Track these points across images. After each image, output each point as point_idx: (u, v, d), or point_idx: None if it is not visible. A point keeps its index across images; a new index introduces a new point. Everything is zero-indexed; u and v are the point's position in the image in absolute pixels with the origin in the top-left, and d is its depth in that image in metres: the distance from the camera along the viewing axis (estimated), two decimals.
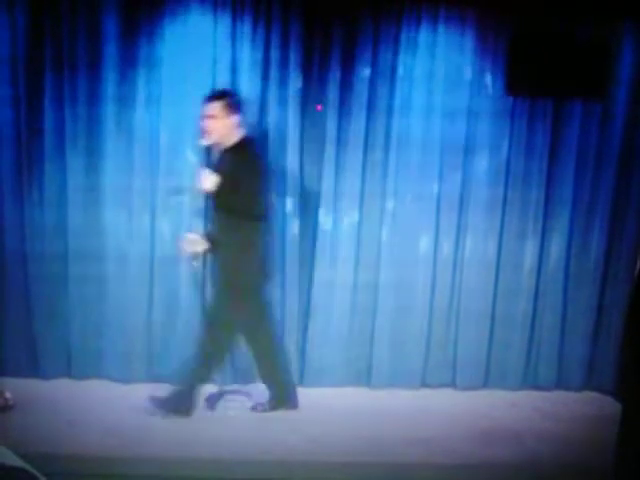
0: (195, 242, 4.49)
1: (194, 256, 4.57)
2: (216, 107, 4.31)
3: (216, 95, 4.38)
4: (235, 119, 4.35)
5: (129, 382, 4.92)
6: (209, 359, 4.52)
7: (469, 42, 4.85)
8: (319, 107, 4.86)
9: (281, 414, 4.60)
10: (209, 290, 4.73)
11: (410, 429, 4.41)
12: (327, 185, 4.93)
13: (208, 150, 4.41)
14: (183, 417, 4.43)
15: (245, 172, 4.31)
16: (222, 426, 4.37)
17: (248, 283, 4.43)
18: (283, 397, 4.65)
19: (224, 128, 4.33)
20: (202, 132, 4.37)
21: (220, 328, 4.47)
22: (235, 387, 4.85)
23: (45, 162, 4.74)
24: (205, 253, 4.59)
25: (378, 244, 5.00)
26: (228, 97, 4.38)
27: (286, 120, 4.84)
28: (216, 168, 4.34)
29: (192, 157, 4.81)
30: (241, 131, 4.38)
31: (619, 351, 5.04)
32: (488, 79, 4.91)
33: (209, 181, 4.30)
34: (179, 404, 4.46)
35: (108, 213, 4.83)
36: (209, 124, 4.33)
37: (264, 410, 4.61)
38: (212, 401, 4.65)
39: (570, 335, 5.19)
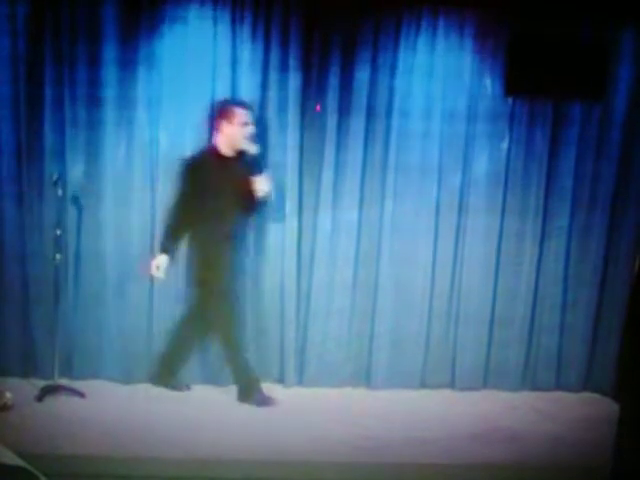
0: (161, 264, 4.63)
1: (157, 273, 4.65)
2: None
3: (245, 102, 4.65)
4: None
5: (129, 382, 4.92)
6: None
7: (469, 43, 4.85)
8: (318, 107, 4.87)
9: (280, 414, 4.61)
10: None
11: (409, 429, 4.42)
12: (326, 185, 4.94)
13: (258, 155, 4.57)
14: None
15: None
16: (221, 426, 4.37)
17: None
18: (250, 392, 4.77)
19: None
20: (252, 139, 4.56)
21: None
22: (66, 382, 4.78)
23: (45, 161, 4.74)
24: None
25: (377, 245, 5.01)
26: None
27: (286, 120, 4.85)
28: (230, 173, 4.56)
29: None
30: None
31: (617, 352, 5.04)
32: (487, 80, 4.91)
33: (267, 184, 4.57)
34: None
35: (108, 213, 4.83)
36: (249, 130, 4.56)
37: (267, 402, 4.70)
38: (43, 394, 4.62)
39: (569, 336, 5.20)
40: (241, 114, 4.55)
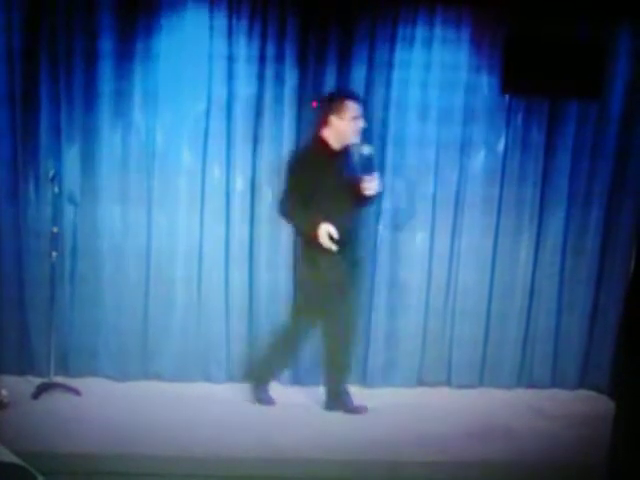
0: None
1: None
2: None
3: (357, 95, 4.48)
4: None
5: (125, 380, 4.93)
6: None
7: (465, 42, 4.85)
8: (314, 103, 4.86)
9: (278, 413, 4.60)
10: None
11: (406, 427, 4.42)
12: None
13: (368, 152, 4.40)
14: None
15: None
16: (219, 424, 4.37)
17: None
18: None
19: None
20: (358, 133, 4.39)
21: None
22: (62, 380, 4.78)
23: (40, 158, 4.74)
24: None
25: (374, 241, 5.01)
26: None
27: (282, 117, 4.84)
28: (340, 167, 4.40)
29: (187, 154, 4.82)
30: None
31: (613, 350, 5.05)
32: (484, 78, 4.91)
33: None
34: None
35: (104, 210, 4.83)
36: (360, 124, 4.39)
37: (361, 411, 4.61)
38: (39, 392, 4.62)
39: (565, 333, 5.20)
40: (352, 108, 4.35)
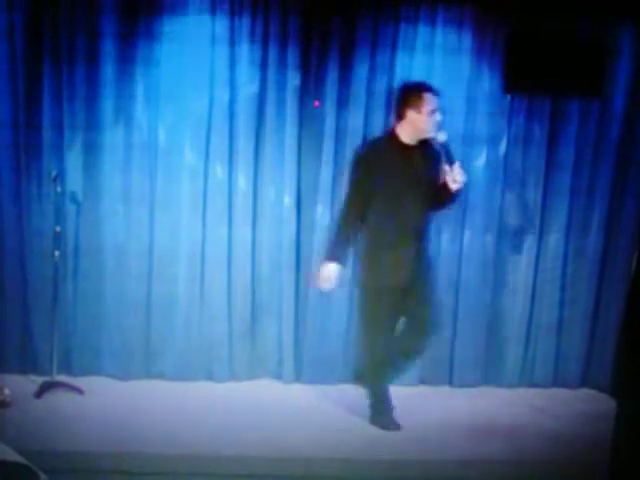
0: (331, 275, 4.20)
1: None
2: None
3: (434, 87, 4.21)
4: None
5: (128, 379, 4.94)
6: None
7: (467, 41, 4.85)
8: (317, 103, 4.87)
9: (278, 410, 4.61)
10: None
11: (407, 426, 4.41)
12: (325, 182, 4.94)
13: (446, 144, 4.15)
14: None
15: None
16: (221, 422, 4.38)
17: None
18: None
19: None
20: (436, 126, 4.14)
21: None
22: (65, 378, 4.79)
23: (43, 158, 4.75)
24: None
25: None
26: None
27: (284, 118, 4.85)
28: (408, 162, 4.15)
29: (190, 154, 4.83)
30: None
31: (615, 349, 5.05)
32: (486, 77, 4.91)
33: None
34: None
35: (106, 209, 4.84)
36: (437, 117, 4.14)
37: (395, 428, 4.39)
38: (41, 390, 4.62)
39: (567, 332, 5.20)
40: (430, 100, 4.09)
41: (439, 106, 4.13)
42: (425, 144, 4.18)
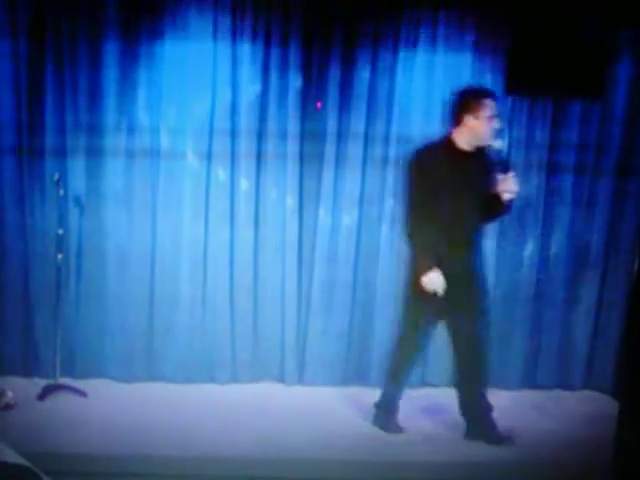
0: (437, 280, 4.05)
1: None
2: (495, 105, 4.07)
3: (493, 93, 4.14)
4: None
5: (131, 381, 4.94)
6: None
7: (468, 43, 4.86)
8: (319, 104, 4.87)
9: (281, 413, 4.61)
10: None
11: (410, 427, 4.42)
12: (327, 184, 4.95)
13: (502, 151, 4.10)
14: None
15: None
16: (222, 424, 4.39)
17: None
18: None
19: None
20: (493, 133, 4.05)
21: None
22: (68, 381, 4.79)
23: (46, 161, 4.76)
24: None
25: (378, 242, 5.02)
26: None
27: (286, 119, 4.85)
28: (465, 169, 4.05)
29: (192, 156, 4.84)
30: None
31: (617, 350, 5.05)
32: (487, 79, 4.91)
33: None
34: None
35: (109, 213, 4.85)
36: (495, 124, 4.05)
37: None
38: (44, 393, 4.63)
39: (569, 334, 5.20)
40: (489, 106, 4.00)
41: (497, 112, 4.06)
42: (481, 151, 4.08)
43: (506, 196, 4.02)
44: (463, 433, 4.37)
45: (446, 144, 4.11)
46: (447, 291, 4.06)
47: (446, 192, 4.01)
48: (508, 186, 4.00)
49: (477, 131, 4.03)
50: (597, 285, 5.14)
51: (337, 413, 4.66)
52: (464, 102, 4.07)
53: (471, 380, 4.32)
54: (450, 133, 4.12)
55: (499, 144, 4.06)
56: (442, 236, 4.04)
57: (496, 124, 4.06)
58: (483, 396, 4.33)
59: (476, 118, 4.00)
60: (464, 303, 4.17)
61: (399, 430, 4.38)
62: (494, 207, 4.12)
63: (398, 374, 4.40)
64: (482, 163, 4.09)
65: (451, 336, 4.28)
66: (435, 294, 4.06)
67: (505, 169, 4.02)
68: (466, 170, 4.05)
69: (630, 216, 5.01)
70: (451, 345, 4.32)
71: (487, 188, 4.06)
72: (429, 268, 4.02)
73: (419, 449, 4.21)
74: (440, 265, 4.03)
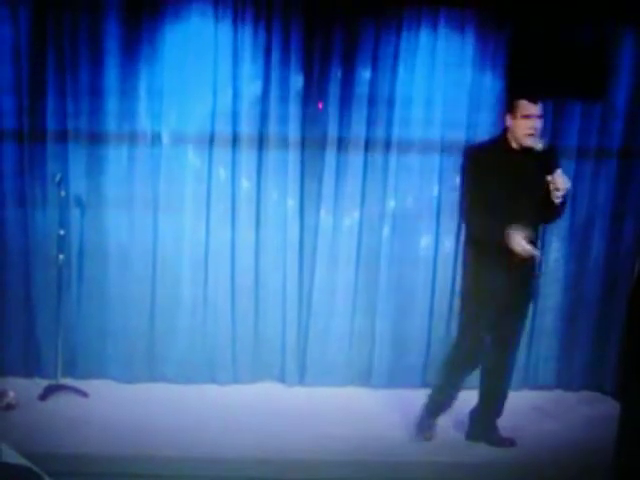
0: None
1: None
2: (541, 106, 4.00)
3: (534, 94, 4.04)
4: None
5: (132, 382, 4.95)
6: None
7: (469, 43, 4.86)
8: (320, 105, 4.88)
9: (281, 414, 4.62)
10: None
11: (410, 428, 4.42)
12: (328, 185, 4.95)
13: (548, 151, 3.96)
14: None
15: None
16: (223, 425, 4.39)
17: None
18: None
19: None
20: (537, 133, 3.96)
21: None
22: (69, 381, 4.80)
23: (47, 161, 4.76)
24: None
25: (378, 244, 5.02)
26: None
27: (287, 121, 4.86)
28: (517, 171, 3.96)
29: (193, 157, 4.85)
30: None
31: (618, 351, 5.05)
32: (489, 79, 4.92)
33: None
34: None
35: (110, 214, 4.85)
36: (539, 124, 3.98)
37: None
38: (46, 393, 4.64)
39: (570, 335, 5.20)
40: (524, 106, 3.94)
41: (538, 113, 3.97)
42: (533, 152, 3.96)
43: (556, 194, 3.88)
44: (464, 434, 4.38)
45: (500, 142, 4.06)
46: (504, 295, 4.01)
47: (499, 190, 3.93)
48: (557, 185, 3.86)
49: (514, 130, 3.98)
50: (598, 285, 5.14)
51: (338, 414, 4.66)
52: (508, 101, 4.11)
53: (498, 385, 4.30)
54: (505, 131, 4.07)
55: (539, 145, 3.94)
56: (495, 242, 3.88)
57: (533, 124, 3.95)
58: (502, 403, 4.32)
59: (513, 117, 3.97)
60: (517, 306, 4.14)
61: (428, 438, 4.33)
62: (547, 210, 4.01)
63: (456, 384, 4.29)
64: (533, 164, 3.94)
65: (490, 338, 4.17)
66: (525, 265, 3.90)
67: (553, 168, 3.88)
68: (517, 170, 3.97)
69: (630, 218, 5.01)
70: (488, 348, 4.21)
71: (539, 189, 3.93)
72: (512, 237, 3.80)
73: (418, 449, 4.21)
74: (501, 269, 3.93)
